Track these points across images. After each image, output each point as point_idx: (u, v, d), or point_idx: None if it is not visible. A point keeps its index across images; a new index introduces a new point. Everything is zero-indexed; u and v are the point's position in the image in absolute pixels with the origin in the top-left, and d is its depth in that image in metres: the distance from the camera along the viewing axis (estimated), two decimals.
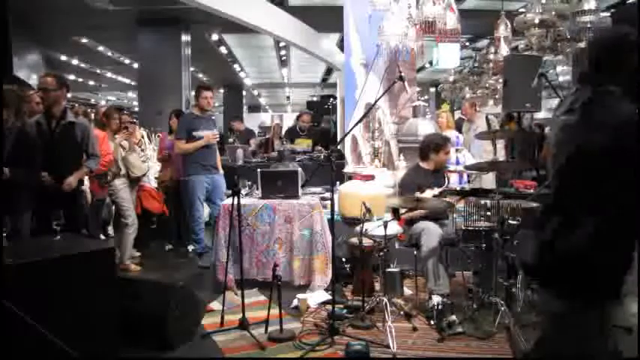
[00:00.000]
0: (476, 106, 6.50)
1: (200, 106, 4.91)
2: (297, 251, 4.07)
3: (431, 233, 3.55)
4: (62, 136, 3.52)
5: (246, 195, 4.36)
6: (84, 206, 3.67)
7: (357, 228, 3.67)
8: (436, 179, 3.93)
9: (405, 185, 3.90)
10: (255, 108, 28.17)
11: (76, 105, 5.74)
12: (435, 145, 3.92)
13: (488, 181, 5.07)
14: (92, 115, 5.51)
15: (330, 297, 3.56)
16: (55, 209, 3.21)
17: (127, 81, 18.03)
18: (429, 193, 3.67)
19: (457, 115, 9.85)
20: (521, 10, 7.00)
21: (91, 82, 18.80)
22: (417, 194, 3.74)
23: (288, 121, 17.24)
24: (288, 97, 25.03)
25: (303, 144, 7.39)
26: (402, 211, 3.65)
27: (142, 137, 6.47)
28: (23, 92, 3.84)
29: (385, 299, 3.33)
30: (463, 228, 3.47)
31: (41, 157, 3.43)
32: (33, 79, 9.28)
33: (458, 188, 4.36)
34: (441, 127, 5.87)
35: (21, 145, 3.36)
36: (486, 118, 6.03)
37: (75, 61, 14.18)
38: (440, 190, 3.75)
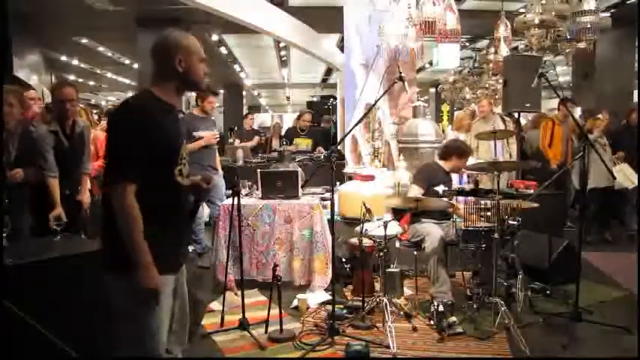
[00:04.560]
0: (492, 104, 6.47)
1: (203, 110, 4.92)
2: (297, 251, 4.07)
3: (434, 237, 3.57)
4: (76, 142, 3.51)
5: (246, 195, 4.36)
6: (82, 206, 3.64)
7: (357, 228, 3.67)
8: (447, 180, 3.99)
9: (421, 176, 3.94)
10: (255, 108, 28.15)
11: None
12: (461, 150, 3.98)
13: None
14: (89, 116, 5.48)
15: (330, 297, 3.56)
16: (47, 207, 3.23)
17: (127, 81, 18.01)
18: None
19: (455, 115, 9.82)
20: (521, 10, 7.01)
21: (91, 83, 18.78)
22: (417, 191, 3.76)
23: (289, 121, 17.23)
24: (288, 98, 25.01)
25: (302, 144, 7.38)
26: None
27: None
28: (26, 92, 3.84)
29: (385, 299, 3.33)
30: (463, 228, 3.47)
31: (49, 160, 3.39)
32: (33, 79, 9.28)
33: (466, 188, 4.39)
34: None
35: (25, 146, 3.36)
36: (502, 117, 6.02)
37: (75, 62, 14.16)
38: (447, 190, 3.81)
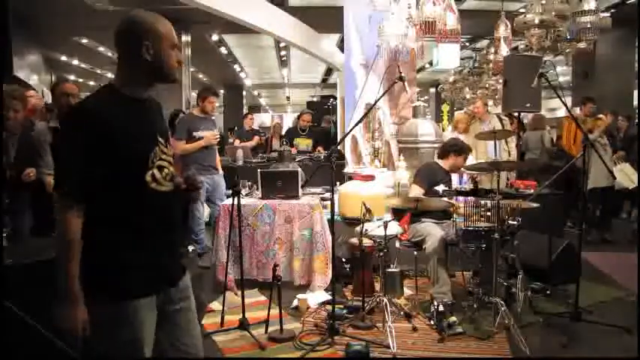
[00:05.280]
0: (487, 105, 6.48)
1: (204, 110, 4.91)
2: (297, 251, 4.07)
3: (435, 238, 3.57)
4: None
5: (246, 195, 4.36)
6: None
7: (357, 228, 3.67)
8: (447, 179, 4.00)
9: (422, 176, 3.96)
10: (255, 108, 28.17)
11: None
12: (458, 147, 4.00)
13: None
14: None
15: (330, 297, 3.56)
16: (47, 207, 3.22)
17: None
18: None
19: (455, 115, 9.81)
20: (521, 10, 7.01)
21: (92, 83, 18.80)
22: (419, 191, 3.77)
23: (289, 121, 17.23)
24: (288, 98, 25.03)
25: (302, 144, 7.39)
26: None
27: None
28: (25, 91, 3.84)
29: (385, 299, 3.33)
30: (463, 228, 3.47)
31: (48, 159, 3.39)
32: (33, 79, 9.29)
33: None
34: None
35: (24, 144, 3.36)
36: (499, 117, 6.02)
37: (75, 62, 14.18)
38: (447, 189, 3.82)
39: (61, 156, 1.54)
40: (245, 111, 20.67)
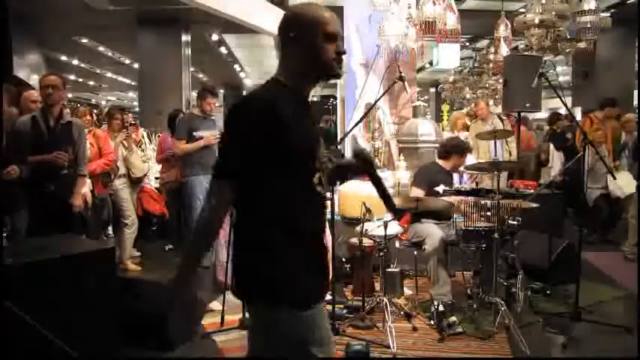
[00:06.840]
0: (489, 105, 6.46)
1: (203, 110, 4.91)
2: None
3: (435, 238, 3.56)
4: (60, 135, 3.47)
5: None
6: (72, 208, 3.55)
7: (357, 228, 3.67)
8: (448, 179, 3.98)
9: (421, 178, 3.93)
10: None
11: (79, 105, 5.70)
12: (460, 148, 3.97)
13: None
14: (94, 117, 5.49)
15: (330, 297, 3.56)
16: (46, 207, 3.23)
17: (127, 81, 18.03)
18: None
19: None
20: (521, 10, 7.01)
21: (91, 82, 18.81)
22: (419, 194, 3.76)
23: None
24: None
25: None
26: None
27: (143, 137, 6.47)
28: (23, 90, 3.84)
29: (385, 299, 3.33)
30: (463, 228, 3.47)
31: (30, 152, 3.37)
32: (33, 79, 9.27)
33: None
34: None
35: (17, 142, 3.35)
36: (499, 117, 6.01)
37: (75, 62, 14.18)
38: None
39: (228, 141, 1.46)
40: None
